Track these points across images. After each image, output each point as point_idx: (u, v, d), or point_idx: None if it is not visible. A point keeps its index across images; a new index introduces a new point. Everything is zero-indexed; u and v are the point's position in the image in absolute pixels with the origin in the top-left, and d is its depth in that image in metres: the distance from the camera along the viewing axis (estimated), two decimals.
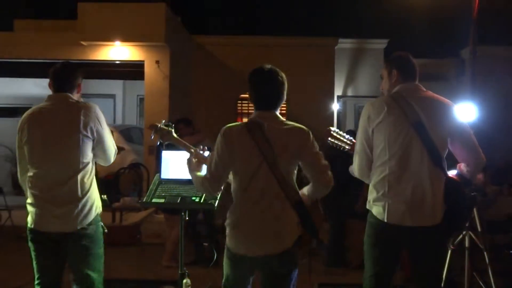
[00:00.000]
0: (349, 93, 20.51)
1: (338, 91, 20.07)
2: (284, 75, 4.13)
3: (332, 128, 4.73)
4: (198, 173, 4.30)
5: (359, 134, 4.37)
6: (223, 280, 4.22)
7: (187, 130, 8.56)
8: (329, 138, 4.67)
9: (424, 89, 4.34)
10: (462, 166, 4.32)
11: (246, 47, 18.54)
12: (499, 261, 7.10)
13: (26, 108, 4.61)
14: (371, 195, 4.30)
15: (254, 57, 17.71)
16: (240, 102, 19.02)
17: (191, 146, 4.65)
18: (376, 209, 4.25)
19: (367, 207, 4.37)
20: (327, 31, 19.83)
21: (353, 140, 4.62)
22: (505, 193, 10.19)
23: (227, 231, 4.10)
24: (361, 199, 8.01)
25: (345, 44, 19.98)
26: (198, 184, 4.23)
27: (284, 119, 4.11)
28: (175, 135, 4.71)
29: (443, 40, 18.71)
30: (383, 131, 4.20)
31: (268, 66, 4.15)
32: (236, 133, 4.02)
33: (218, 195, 4.42)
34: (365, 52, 20.43)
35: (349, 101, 20.84)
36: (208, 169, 4.11)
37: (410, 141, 4.14)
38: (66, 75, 4.60)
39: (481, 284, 5.92)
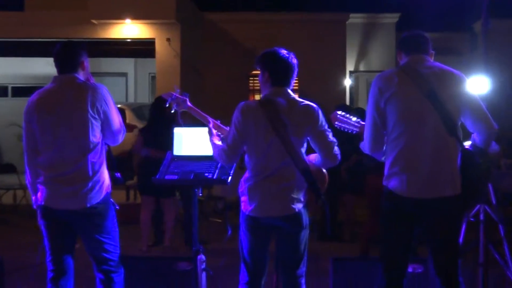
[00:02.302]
0: (361, 68, 20.47)
1: (350, 67, 20.02)
2: (294, 55, 4.41)
3: (339, 112, 4.68)
4: (218, 142, 4.62)
5: (370, 108, 4.26)
6: (240, 249, 4.46)
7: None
8: (336, 122, 4.64)
9: (433, 61, 4.29)
10: (474, 135, 4.30)
11: (256, 23, 18.50)
12: None
13: (40, 88, 4.59)
14: (387, 169, 4.23)
15: (265, 34, 17.68)
16: (252, 78, 18.99)
17: (206, 116, 4.87)
18: (394, 184, 4.18)
19: (384, 183, 4.30)
20: (338, 6, 19.71)
21: (361, 122, 4.56)
22: None
23: (242, 196, 4.37)
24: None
25: (356, 19, 19.90)
26: (216, 153, 4.52)
27: (296, 96, 4.38)
28: (189, 103, 4.94)
29: (456, 13, 18.54)
30: (396, 103, 4.12)
31: (278, 48, 4.43)
32: (252, 108, 4.29)
33: (232, 168, 4.68)
34: (377, 27, 20.37)
35: (361, 76, 20.81)
36: (226, 141, 4.40)
37: (425, 112, 4.07)
38: (68, 55, 4.56)
39: (496, 257, 5.91)
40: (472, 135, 4.31)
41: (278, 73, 4.35)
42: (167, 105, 4.99)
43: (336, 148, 4.31)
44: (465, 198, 4.19)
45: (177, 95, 4.97)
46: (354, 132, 4.63)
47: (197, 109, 4.96)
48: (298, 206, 4.27)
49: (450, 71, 4.23)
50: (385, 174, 4.28)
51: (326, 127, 4.32)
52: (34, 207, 4.61)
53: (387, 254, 4.33)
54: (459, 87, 4.17)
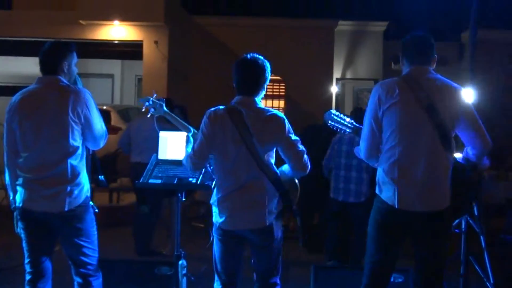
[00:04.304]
0: (348, 75, 20.48)
1: (337, 74, 20.03)
2: (266, 64, 4.36)
3: (332, 111, 4.67)
4: (187, 149, 4.56)
5: (368, 115, 4.26)
6: (213, 258, 4.48)
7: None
8: (329, 121, 4.62)
9: (434, 72, 4.28)
10: (468, 149, 4.31)
11: (245, 28, 18.50)
12: (494, 246, 7.13)
13: (25, 87, 4.55)
14: (381, 179, 4.24)
15: (253, 39, 17.67)
16: None
17: (181, 121, 4.93)
18: (385, 194, 4.18)
19: (377, 191, 4.30)
20: (326, 13, 19.74)
21: (354, 123, 4.58)
22: (501, 177, 10.20)
23: (213, 207, 4.37)
24: None
25: (344, 26, 19.91)
26: (184, 159, 4.49)
27: (263, 105, 4.36)
28: (165, 108, 4.95)
29: (444, 23, 18.62)
30: (394, 113, 4.12)
31: (251, 54, 4.39)
32: (219, 116, 4.26)
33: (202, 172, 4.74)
34: (365, 35, 20.37)
35: (347, 84, 20.82)
36: (193, 148, 4.36)
37: (422, 124, 4.08)
38: (49, 56, 4.52)
39: (477, 268, 5.93)
40: (466, 148, 4.32)
41: (241, 82, 4.35)
42: (143, 110, 4.96)
43: (305, 156, 4.29)
44: (454, 211, 4.21)
45: (154, 99, 4.96)
46: (347, 132, 4.64)
47: (172, 114, 4.98)
48: (270, 218, 4.24)
49: (451, 85, 4.23)
50: (377, 182, 4.29)
51: (293, 136, 4.28)
52: (12, 208, 4.58)
53: (373, 264, 4.32)
54: (458, 102, 4.18)
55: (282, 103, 18.65)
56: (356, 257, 7.41)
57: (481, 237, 6.10)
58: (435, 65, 4.33)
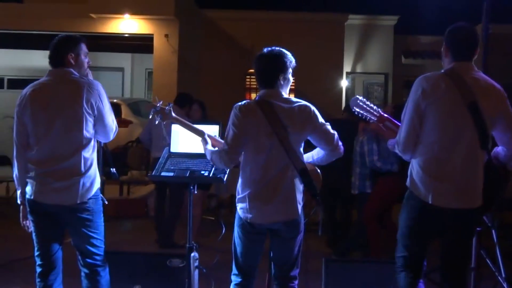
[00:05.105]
0: (358, 69, 20.44)
1: (347, 68, 20.00)
2: (285, 55, 4.30)
3: (359, 97, 4.57)
4: (214, 149, 4.47)
5: (409, 108, 4.16)
6: (234, 252, 4.44)
7: (199, 114, 8.37)
8: (355, 107, 4.52)
9: (477, 70, 4.20)
10: (500, 149, 4.28)
11: (255, 22, 18.48)
12: (507, 239, 7.11)
13: (36, 80, 4.55)
14: (415, 174, 4.20)
15: (263, 32, 17.66)
16: (248, 77, 18.96)
17: (192, 125, 4.72)
18: (419, 190, 4.15)
19: (408, 185, 4.27)
20: (337, 7, 19.69)
21: (381, 112, 4.50)
22: None
23: (240, 203, 4.30)
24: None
25: (354, 20, 19.87)
26: (215, 157, 4.37)
27: (288, 96, 4.33)
28: (174, 114, 4.75)
29: (455, 17, 18.54)
30: (438, 109, 4.05)
31: (270, 48, 4.34)
32: (250, 109, 4.22)
33: (228, 169, 4.64)
34: (375, 29, 20.33)
35: (358, 78, 20.78)
36: (226, 142, 4.27)
37: (463, 122, 4.03)
38: (55, 49, 4.52)
39: (489, 262, 5.92)
40: (497, 148, 4.29)
41: (258, 75, 4.32)
42: (150, 117, 4.80)
43: (339, 140, 4.31)
44: (484, 209, 4.21)
45: (160, 106, 4.74)
46: (372, 120, 4.54)
47: (182, 119, 4.78)
48: (298, 209, 4.26)
49: (493, 85, 4.18)
50: (410, 176, 4.26)
51: (324, 121, 4.28)
52: (19, 202, 4.58)
53: (408, 254, 4.31)
54: (500, 102, 4.14)
55: (291, 96, 18.57)
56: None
57: (493, 231, 6.08)
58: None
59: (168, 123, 4.85)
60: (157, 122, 4.81)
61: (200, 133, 4.67)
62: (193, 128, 4.72)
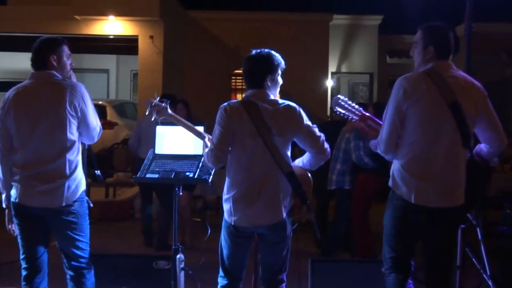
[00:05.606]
0: (343, 69, 20.50)
1: (332, 68, 20.05)
2: (273, 56, 4.29)
3: (340, 97, 4.54)
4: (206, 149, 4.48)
5: (391, 108, 4.16)
6: (220, 254, 4.41)
7: (184, 112, 8.39)
8: (336, 107, 4.48)
9: (456, 68, 4.22)
10: (483, 146, 4.30)
11: (240, 22, 18.50)
12: (490, 237, 7.13)
13: (19, 82, 4.52)
14: (397, 173, 4.21)
15: (248, 33, 17.68)
16: (234, 78, 18.96)
17: (186, 122, 4.74)
18: (402, 190, 4.16)
19: (390, 185, 4.27)
20: (321, 7, 19.74)
21: (362, 111, 4.49)
22: (497, 169, 10.21)
23: (225, 205, 4.28)
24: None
25: (339, 20, 19.94)
26: (205, 157, 4.40)
27: (274, 98, 4.30)
28: (170, 111, 4.74)
29: (438, 17, 18.64)
30: (419, 109, 4.06)
31: (258, 50, 4.32)
32: (235, 109, 4.20)
33: (212, 170, 4.67)
34: (360, 29, 20.40)
35: (343, 78, 20.83)
36: (212, 141, 4.27)
37: (445, 121, 4.04)
38: (36, 51, 4.50)
39: (473, 260, 5.94)
40: (480, 145, 4.31)
41: (246, 76, 4.33)
42: (147, 113, 4.79)
43: (326, 143, 4.29)
44: (466, 207, 4.23)
45: (156, 102, 4.74)
46: (354, 119, 4.50)
47: (177, 116, 4.81)
48: (284, 213, 4.20)
49: (473, 83, 4.19)
50: (392, 176, 4.26)
51: (310, 123, 4.26)
52: (4, 205, 4.55)
53: (396, 255, 4.31)
54: (480, 100, 4.15)
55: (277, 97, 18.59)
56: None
57: (478, 229, 6.11)
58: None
59: (164, 119, 4.82)
60: (153, 118, 4.78)
61: (200, 136, 4.70)
62: (190, 126, 4.74)
